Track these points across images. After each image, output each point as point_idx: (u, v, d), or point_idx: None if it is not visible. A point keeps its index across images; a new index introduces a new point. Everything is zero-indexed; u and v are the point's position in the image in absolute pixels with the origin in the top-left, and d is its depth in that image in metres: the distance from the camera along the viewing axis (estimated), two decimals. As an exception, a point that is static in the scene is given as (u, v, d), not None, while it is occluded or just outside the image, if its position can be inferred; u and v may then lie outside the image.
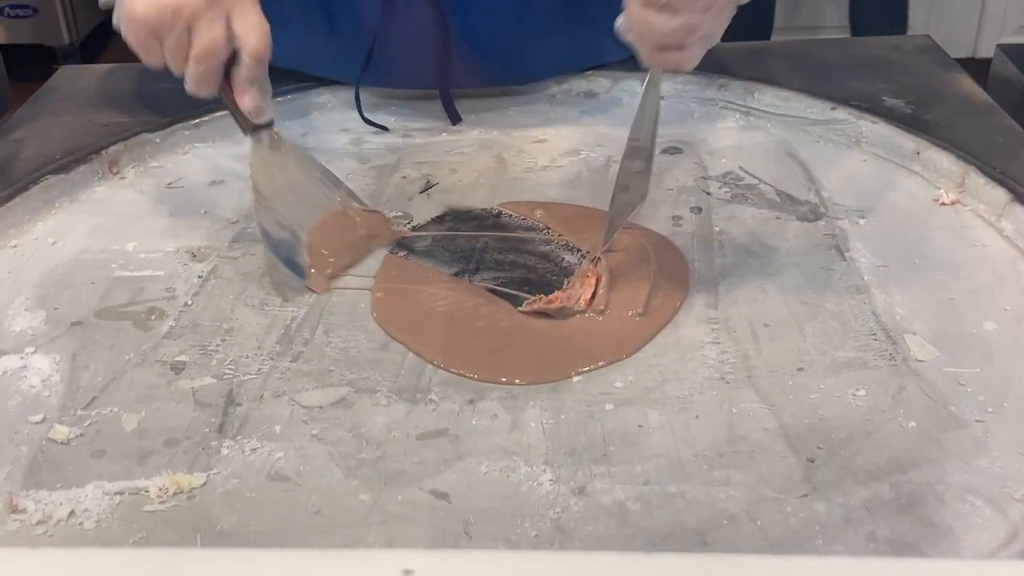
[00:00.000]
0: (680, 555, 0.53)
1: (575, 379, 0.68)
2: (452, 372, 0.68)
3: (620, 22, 0.69)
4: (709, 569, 0.43)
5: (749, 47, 1.15)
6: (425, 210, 0.87)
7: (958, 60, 1.07)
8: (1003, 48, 1.14)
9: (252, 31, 0.74)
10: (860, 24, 2.50)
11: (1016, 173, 0.84)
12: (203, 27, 0.73)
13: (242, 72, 0.76)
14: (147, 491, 0.59)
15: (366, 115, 1.00)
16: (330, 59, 1.01)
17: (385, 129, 1.00)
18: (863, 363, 0.68)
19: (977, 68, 1.11)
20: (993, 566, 0.52)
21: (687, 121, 1.01)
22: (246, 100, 0.77)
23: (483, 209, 0.87)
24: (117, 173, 0.93)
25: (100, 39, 3.07)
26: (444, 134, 1.00)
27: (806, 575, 0.42)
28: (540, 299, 0.74)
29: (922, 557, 0.54)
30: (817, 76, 1.03)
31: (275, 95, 1.00)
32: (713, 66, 1.05)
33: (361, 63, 0.98)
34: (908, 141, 0.91)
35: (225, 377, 0.68)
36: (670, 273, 0.77)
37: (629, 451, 0.62)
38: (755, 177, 0.91)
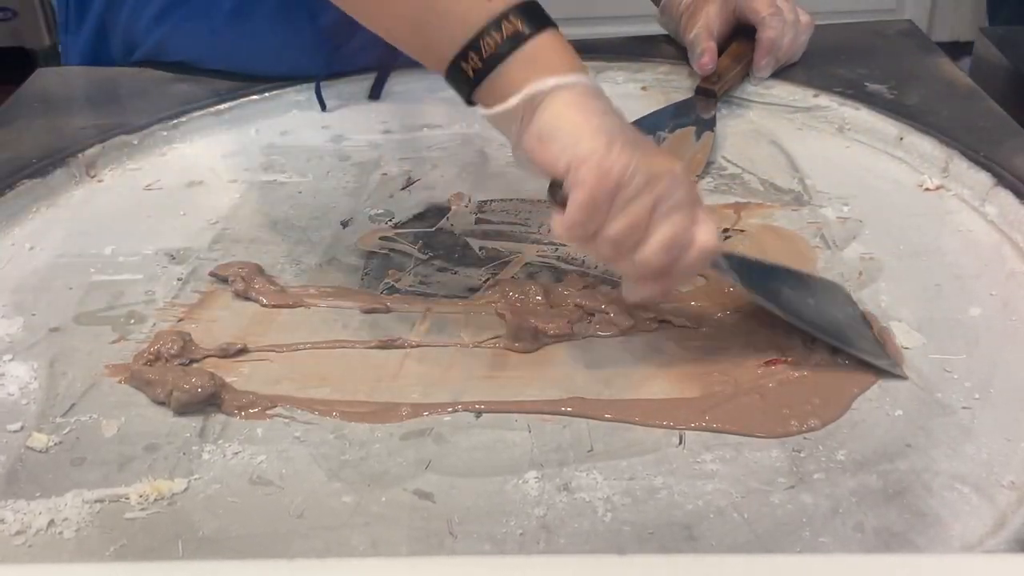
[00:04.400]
0: (653, 556, 0.52)
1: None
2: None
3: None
4: (686, 570, 0.43)
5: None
6: (407, 206, 0.86)
7: (940, 44, 1.07)
8: (985, 32, 1.14)
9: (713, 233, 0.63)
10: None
11: (999, 157, 0.83)
12: (674, 209, 0.60)
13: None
14: (127, 498, 0.59)
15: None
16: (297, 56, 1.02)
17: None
18: (849, 352, 0.68)
19: (960, 52, 1.10)
20: (983, 560, 0.51)
21: (669, 111, 1.00)
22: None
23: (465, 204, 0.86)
24: (94, 176, 0.92)
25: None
26: (425, 129, 0.99)
27: (786, 573, 0.42)
28: None
29: (911, 547, 0.54)
30: (799, 63, 1.02)
31: (253, 93, 1.01)
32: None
33: (324, 55, 1.00)
34: (891, 127, 0.91)
35: (206, 380, 0.67)
36: None
37: (614, 446, 0.61)
38: (738, 166, 0.90)
